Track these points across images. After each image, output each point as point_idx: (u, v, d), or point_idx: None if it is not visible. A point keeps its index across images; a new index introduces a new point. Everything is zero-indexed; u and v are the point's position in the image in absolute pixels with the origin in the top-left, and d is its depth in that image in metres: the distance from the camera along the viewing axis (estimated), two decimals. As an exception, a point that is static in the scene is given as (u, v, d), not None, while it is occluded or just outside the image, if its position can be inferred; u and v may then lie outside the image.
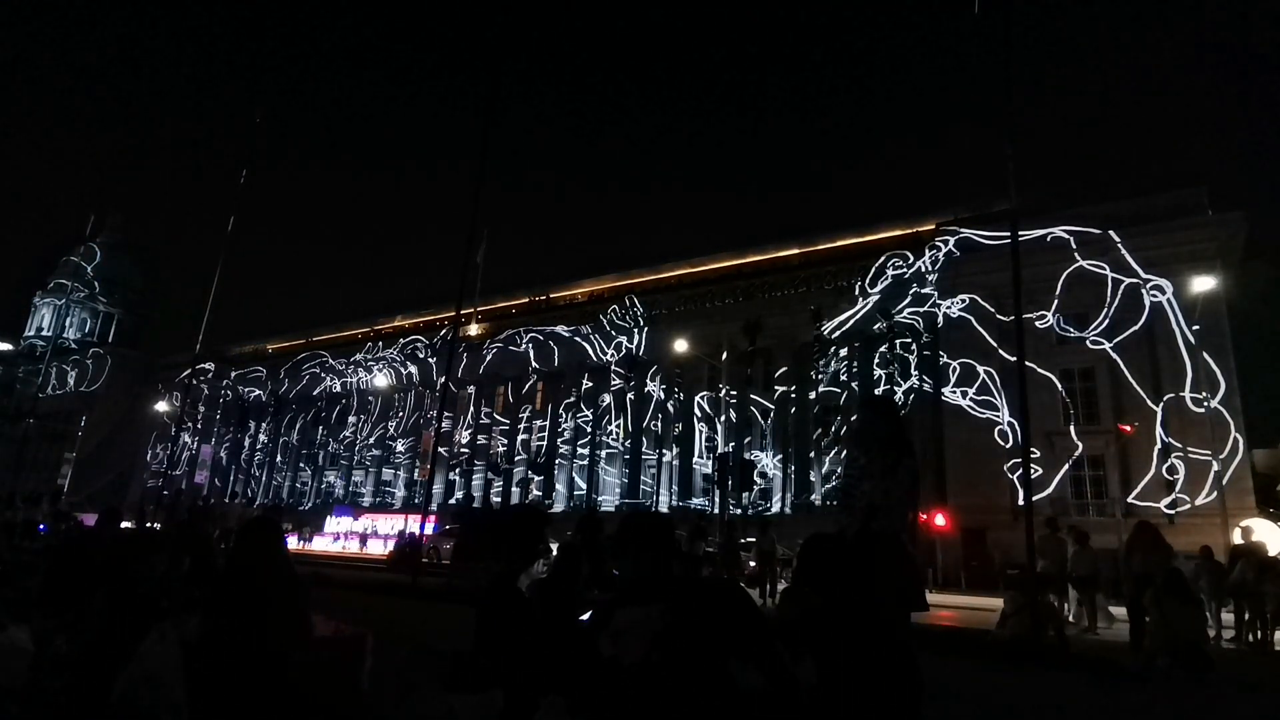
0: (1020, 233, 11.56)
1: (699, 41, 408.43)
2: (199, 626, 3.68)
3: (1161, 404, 28.93)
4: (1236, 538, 16.28)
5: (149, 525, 21.48)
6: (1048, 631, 8.94)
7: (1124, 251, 30.49)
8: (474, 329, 51.97)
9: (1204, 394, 26.57)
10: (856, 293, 37.70)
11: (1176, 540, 17.17)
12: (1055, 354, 31.46)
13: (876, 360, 37.50)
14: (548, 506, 41.83)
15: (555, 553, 4.16)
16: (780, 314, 39.74)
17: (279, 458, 61.87)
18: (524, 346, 49.15)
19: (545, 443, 48.09)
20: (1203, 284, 26.10)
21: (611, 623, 2.37)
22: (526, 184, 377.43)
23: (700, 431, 42.62)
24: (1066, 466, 30.43)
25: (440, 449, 41.44)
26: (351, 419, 57.65)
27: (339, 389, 58.88)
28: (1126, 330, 30.33)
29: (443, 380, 34.61)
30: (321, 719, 3.61)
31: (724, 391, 40.57)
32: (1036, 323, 30.62)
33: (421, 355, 53.94)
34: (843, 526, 3.70)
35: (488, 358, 50.40)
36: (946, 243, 35.14)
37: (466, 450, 50.87)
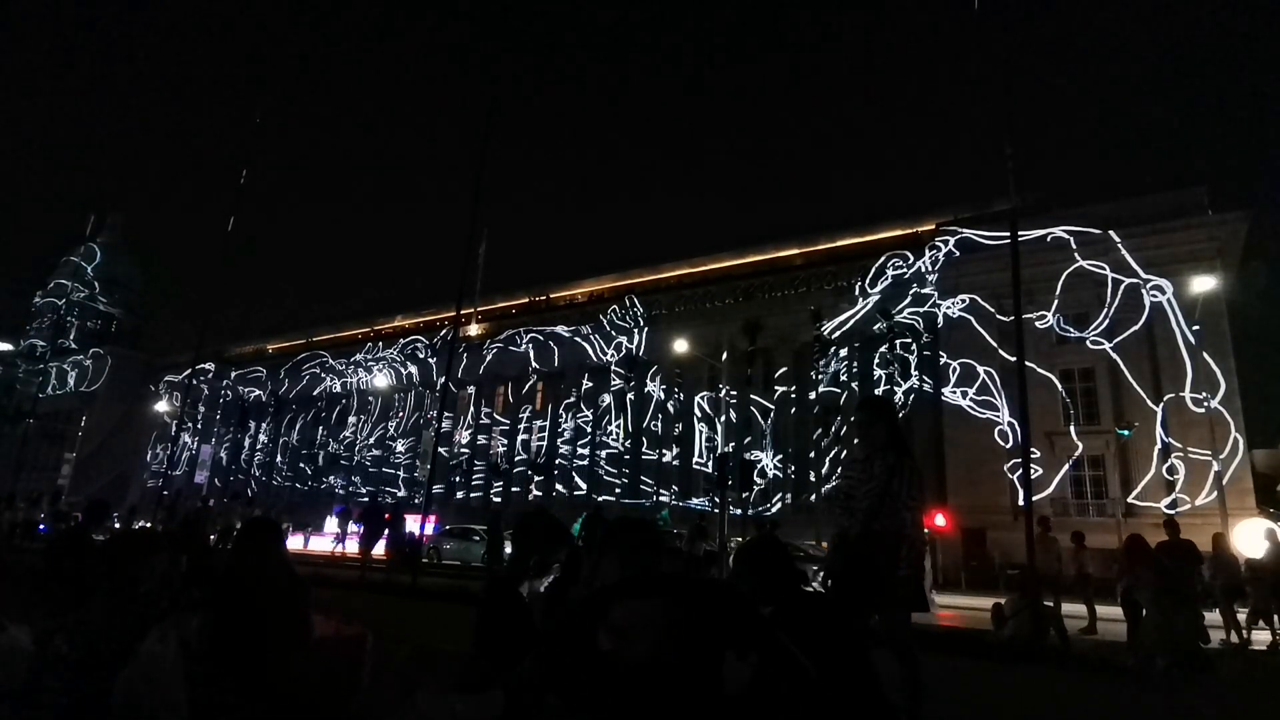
0: (1020, 233, 11.56)
1: (700, 41, 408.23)
2: (199, 626, 3.67)
3: (1161, 404, 28.93)
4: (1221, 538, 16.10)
5: (145, 525, 21.47)
6: (1049, 632, 8.95)
7: (1124, 251, 30.49)
8: (474, 329, 51.96)
9: (1204, 394, 26.58)
10: (856, 293, 37.68)
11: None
12: (1055, 354, 31.47)
13: (876, 360, 37.49)
14: (544, 505, 41.82)
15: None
16: (780, 314, 39.75)
17: (279, 458, 61.86)
18: (524, 346, 49.15)
19: (545, 443, 48.09)
20: (1203, 284, 26.11)
21: (609, 617, 2.28)
22: (527, 184, 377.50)
23: (700, 431, 42.60)
24: (1066, 466, 30.45)
25: (440, 449, 41.44)
26: (351, 419, 57.62)
27: (339, 389, 58.89)
28: (1126, 330, 30.33)
29: (443, 380, 34.63)
30: (321, 719, 3.61)
31: (724, 391, 40.57)
32: (1036, 323, 30.64)
33: (421, 355, 53.95)
34: (845, 527, 3.69)
35: (488, 358, 50.40)
36: (946, 243, 35.14)
37: (466, 450, 50.87)
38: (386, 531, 18.47)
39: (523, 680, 2.70)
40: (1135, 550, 10.07)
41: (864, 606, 3.54)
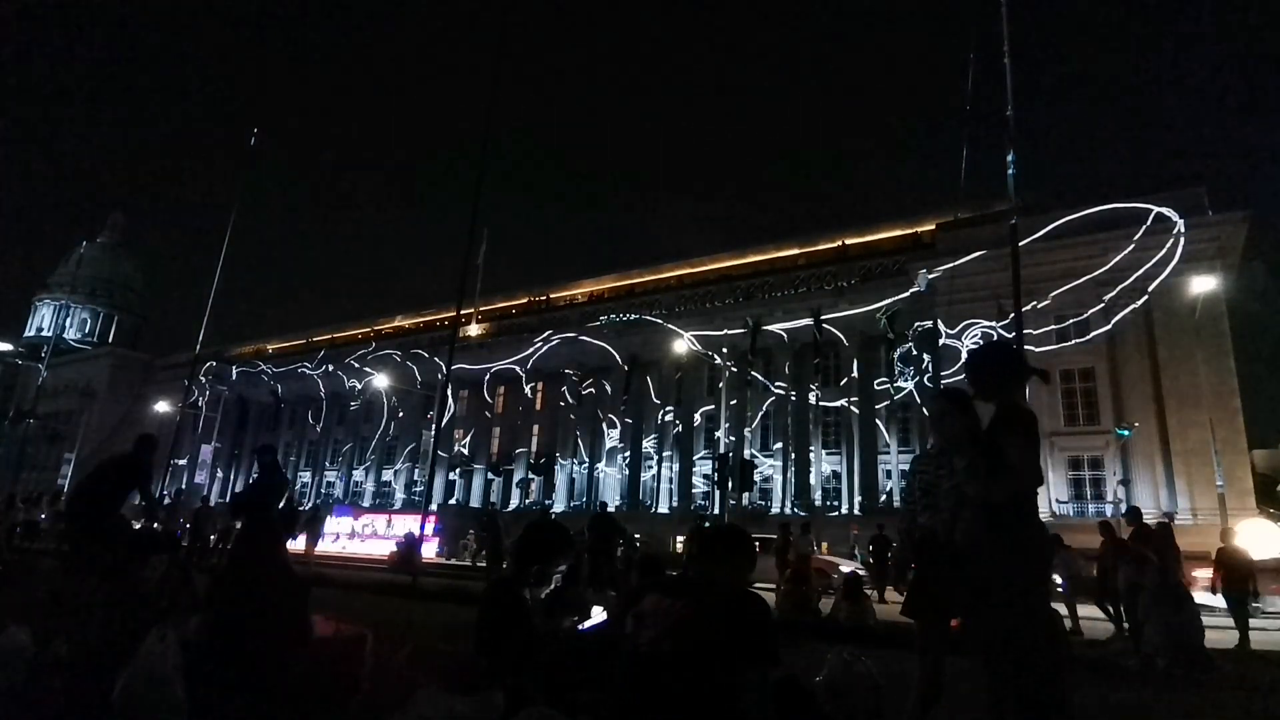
0: (1020, 233, 11.57)
1: (701, 41, 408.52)
2: (199, 626, 3.68)
3: (1161, 404, 28.90)
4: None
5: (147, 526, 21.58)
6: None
7: (1124, 252, 30.45)
8: (474, 329, 51.93)
9: (1204, 394, 26.57)
10: (857, 293, 37.69)
11: (1177, 541, 17.14)
12: (1055, 354, 31.43)
13: (881, 360, 37.50)
14: (547, 507, 41.79)
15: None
16: (780, 314, 39.74)
17: (279, 458, 61.81)
18: (524, 346, 49.16)
19: (545, 443, 48.06)
20: (1203, 284, 26.06)
21: (639, 604, 2.51)
22: (527, 184, 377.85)
23: (700, 431, 42.59)
24: (1066, 466, 30.42)
25: (440, 449, 41.41)
26: (352, 419, 57.61)
27: (339, 389, 58.86)
28: (1126, 330, 30.30)
29: (443, 380, 34.64)
30: (321, 719, 3.61)
31: (725, 391, 40.60)
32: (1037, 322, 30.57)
33: (422, 355, 53.96)
34: (927, 526, 3.56)
35: (489, 357, 50.39)
36: (947, 243, 35.13)
37: (466, 450, 50.86)
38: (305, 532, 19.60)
39: (525, 681, 2.74)
40: (1130, 550, 10.04)
41: (956, 609, 3.44)
